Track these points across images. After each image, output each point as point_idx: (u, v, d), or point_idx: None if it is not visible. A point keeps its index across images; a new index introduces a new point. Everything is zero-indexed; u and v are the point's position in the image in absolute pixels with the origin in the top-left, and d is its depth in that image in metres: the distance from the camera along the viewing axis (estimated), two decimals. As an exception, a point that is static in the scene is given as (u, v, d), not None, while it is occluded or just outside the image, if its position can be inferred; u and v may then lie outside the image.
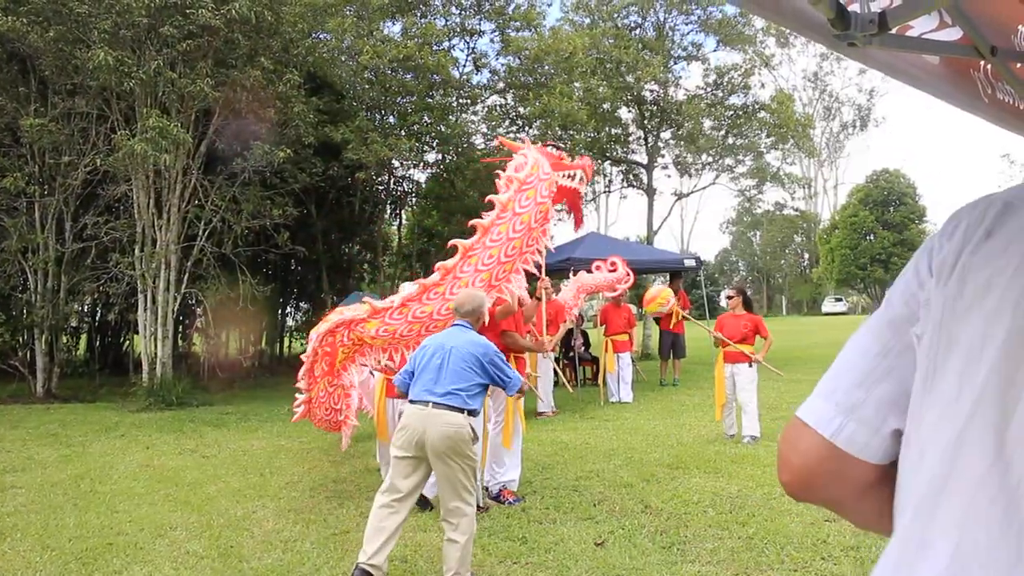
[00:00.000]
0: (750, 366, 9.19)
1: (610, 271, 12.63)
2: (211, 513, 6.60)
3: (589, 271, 12.60)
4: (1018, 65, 2.52)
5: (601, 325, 14.04)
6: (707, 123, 25.29)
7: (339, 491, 7.25)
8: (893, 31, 1.81)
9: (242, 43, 14.01)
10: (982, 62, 2.31)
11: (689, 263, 17.09)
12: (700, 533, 5.76)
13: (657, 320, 17.40)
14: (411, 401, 5.00)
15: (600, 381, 14.00)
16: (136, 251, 14.21)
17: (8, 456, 9.15)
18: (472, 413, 4.95)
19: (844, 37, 1.71)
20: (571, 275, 12.44)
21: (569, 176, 6.90)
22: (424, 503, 6.47)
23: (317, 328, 6.47)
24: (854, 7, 1.77)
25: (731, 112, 25.09)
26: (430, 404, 4.87)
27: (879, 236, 52.16)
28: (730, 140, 26.03)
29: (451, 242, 6.28)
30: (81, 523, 6.36)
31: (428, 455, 4.83)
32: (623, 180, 26.99)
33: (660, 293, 11.20)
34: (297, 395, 6.86)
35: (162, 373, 14.19)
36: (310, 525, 6.20)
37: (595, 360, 16.29)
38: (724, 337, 9.21)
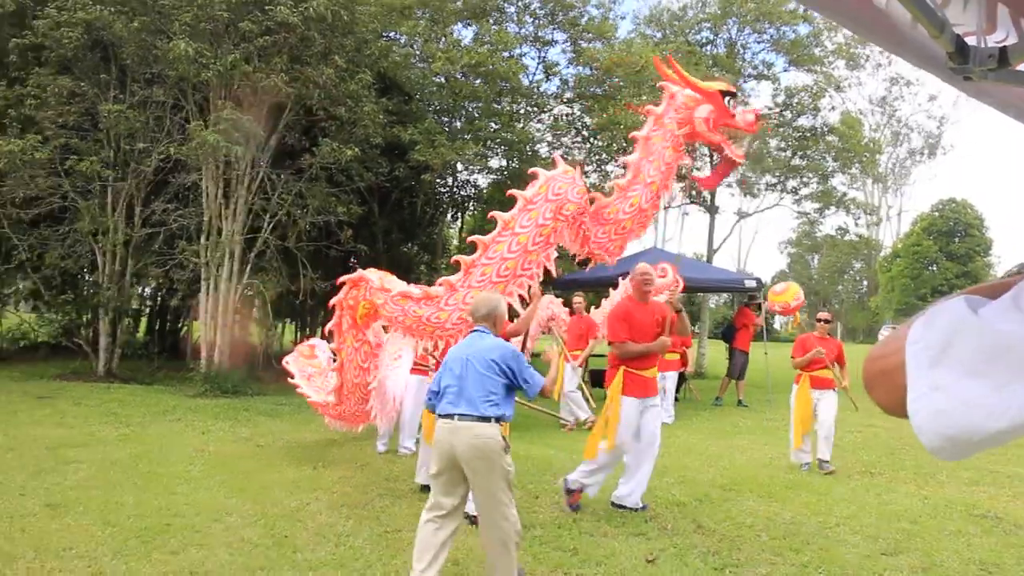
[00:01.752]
0: (835, 392, 9.02)
1: (660, 277, 12.47)
2: (265, 502, 6.70)
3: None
4: None
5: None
6: (773, 143, 25.03)
7: (392, 489, 7.31)
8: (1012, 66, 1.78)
9: (317, 40, 14.26)
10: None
11: (750, 284, 16.86)
12: (753, 557, 5.69)
13: (727, 338, 16.94)
14: (439, 416, 4.91)
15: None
16: (202, 240, 14.51)
17: (71, 432, 9.41)
18: (501, 419, 4.84)
19: (961, 71, 1.69)
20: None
21: (736, 139, 6.30)
22: (473, 519, 6.46)
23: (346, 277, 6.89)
24: (972, 40, 1.75)
25: (798, 133, 24.81)
26: (455, 417, 4.77)
27: (942, 267, 51.05)
28: (796, 161, 25.71)
29: (454, 258, 6.34)
30: (140, 502, 6.50)
31: (463, 468, 4.75)
32: (686, 196, 26.81)
33: (791, 287, 10.71)
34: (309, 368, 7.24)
35: (219, 360, 14.45)
36: (363, 521, 6.26)
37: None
38: (827, 359, 8.98)
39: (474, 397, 4.80)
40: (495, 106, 17.83)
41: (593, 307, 13.44)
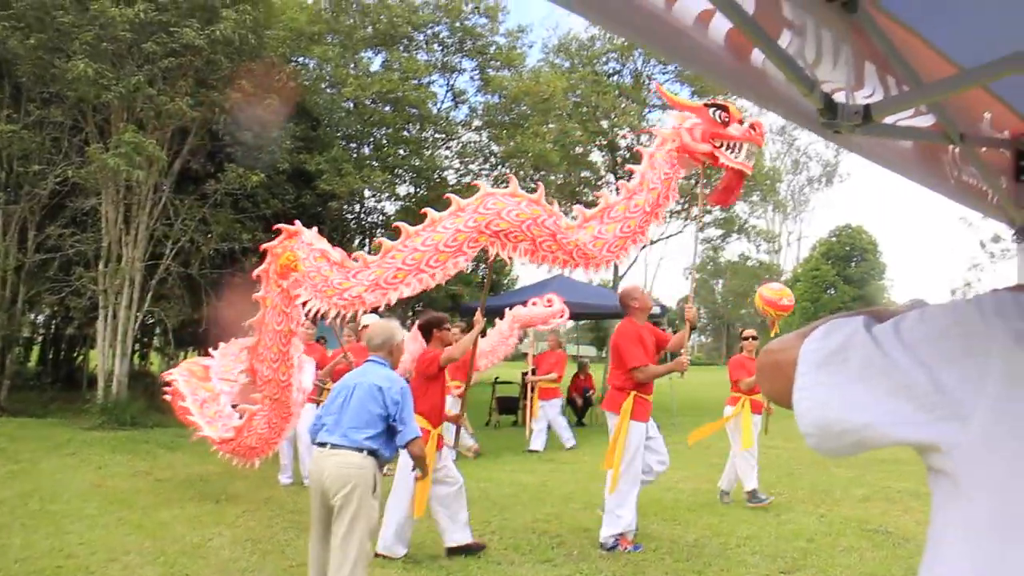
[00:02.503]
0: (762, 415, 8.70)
1: (546, 307, 12.54)
2: (165, 539, 6.52)
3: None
4: (983, 150, 2.66)
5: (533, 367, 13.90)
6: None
7: (297, 522, 7.18)
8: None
9: (224, 64, 14.04)
10: (951, 146, 2.43)
11: (655, 310, 17.24)
12: (656, 582, 5.80)
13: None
14: (315, 445, 4.80)
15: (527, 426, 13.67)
16: (100, 266, 14.07)
17: (-45, 469, 8.97)
18: (374, 454, 4.69)
19: (830, 126, 1.82)
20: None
21: (733, 149, 5.98)
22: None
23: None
24: (840, 98, 1.87)
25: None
26: (328, 446, 4.66)
27: (840, 290, 52.88)
28: (698, 189, 26.33)
29: (378, 240, 6.33)
30: (28, 544, 6.24)
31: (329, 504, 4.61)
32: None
33: (785, 289, 10.63)
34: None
35: (117, 391, 13.99)
36: (267, 556, 6.14)
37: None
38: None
39: (351, 427, 4.67)
40: (404, 133, 17.86)
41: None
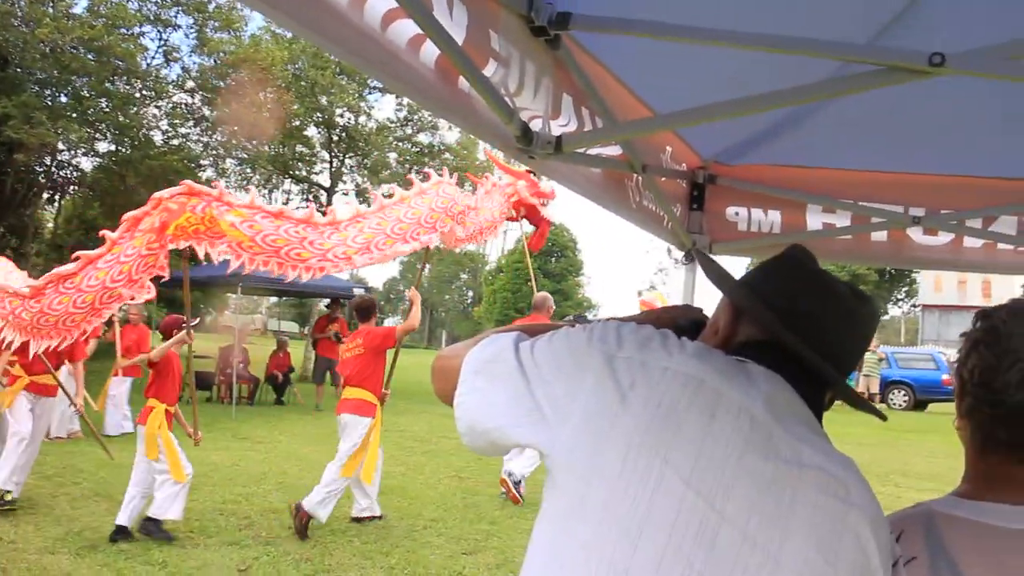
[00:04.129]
0: None
1: None
2: None
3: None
4: (662, 179, 3.02)
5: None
6: (392, 156, 25.85)
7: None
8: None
9: None
10: (635, 175, 2.74)
11: (358, 291, 17.38)
12: (344, 562, 5.91)
13: (315, 343, 17.56)
14: None
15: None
16: None
17: None
18: None
19: (526, 152, 2.01)
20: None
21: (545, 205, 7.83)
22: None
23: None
24: (537, 126, 2.07)
25: (417, 149, 25.87)
26: None
27: (540, 283, 55.83)
28: (413, 176, 26.68)
29: (102, 232, 5.88)
30: None
31: None
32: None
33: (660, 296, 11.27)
34: None
35: None
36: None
37: (255, 379, 16.00)
38: None
39: None
40: (108, 86, 16.51)
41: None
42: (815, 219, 3.26)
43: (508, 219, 7.92)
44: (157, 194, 5.85)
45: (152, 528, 6.17)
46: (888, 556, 1.10)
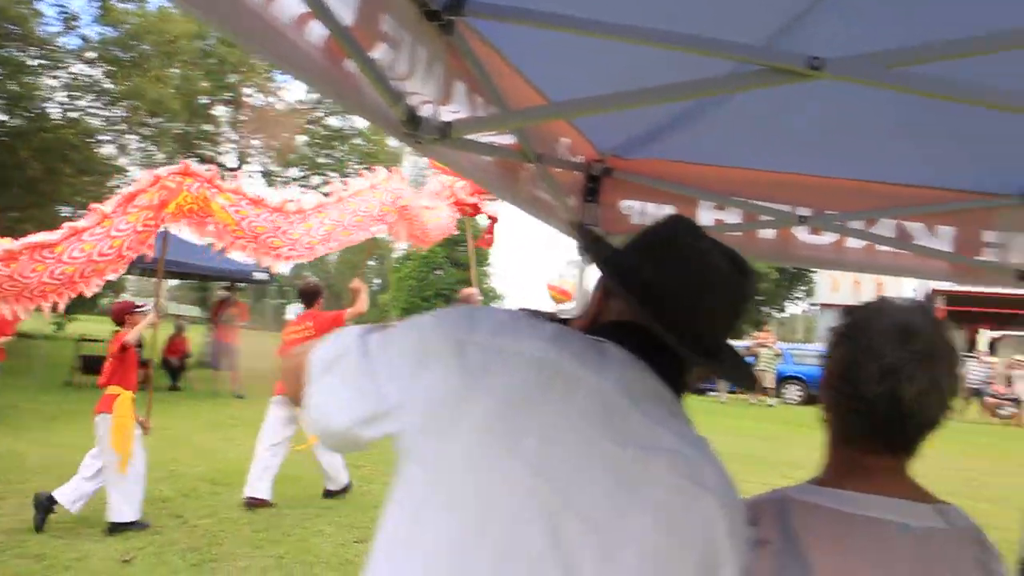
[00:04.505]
0: None
1: None
2: None
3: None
4: (558, 170, 3.03)
5: None
6: (301, 139, 25.42)
7: None
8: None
9: None
10: (529, 164, 2.74)
11: (260, 276, 17.03)
12: (233, 551, 5.79)
13: (214, 327, 17.21)
14: None
15: None
16: None
17: None
18: None
19: (412, 136, 1.98)
20: None
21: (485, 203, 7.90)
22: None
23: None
24: (427, 111, 2.04)
25: (327, 132, 25.49)
26: None
27: (448, 272, 55.72)
28: (321, 160, 26.35)
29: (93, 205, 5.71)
30: None
31: None
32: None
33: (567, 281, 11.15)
34: None
35: None
36: None
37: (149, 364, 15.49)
38: None
39: None
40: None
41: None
42: (707, 215, 3.31)
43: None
44: (154, 172, 5.90)
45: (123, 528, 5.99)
46: (740, 539, 1.12)
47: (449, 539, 1.02)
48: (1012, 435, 18.20)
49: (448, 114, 2.14)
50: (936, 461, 12.82)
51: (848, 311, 1.45)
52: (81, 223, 5.51)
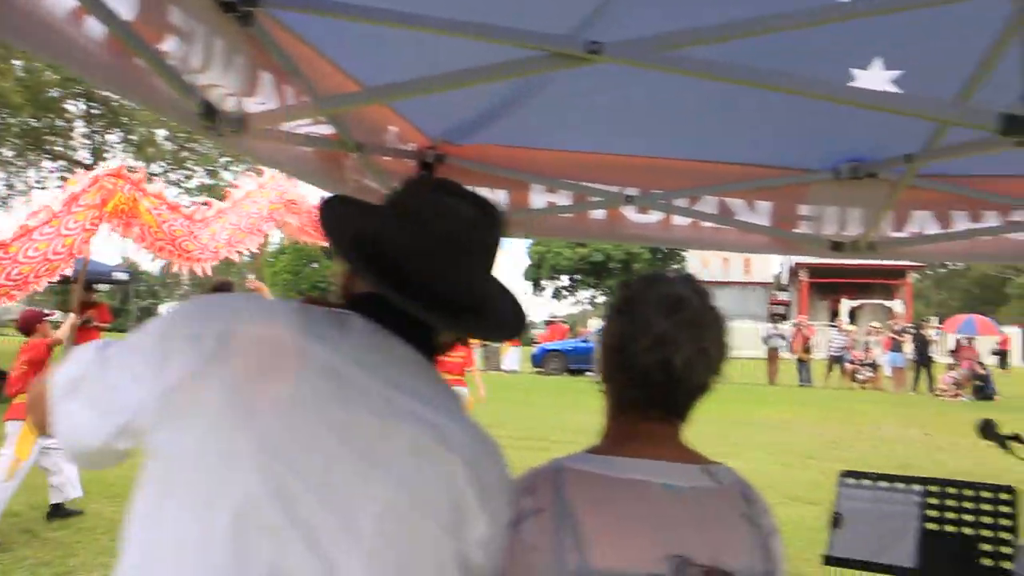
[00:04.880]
0: None
1: None
2: None
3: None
4: (387, 159, 3.03)
5: None
6: (161, 132, 24.49)
7: None
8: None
9: None
10: (352, 154, 2.74)
11: (120, 276, 16.46)
12: (88, 562, 5.59)
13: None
14: None
15: None
16: None
17: None
18: None
19: (211, 129, 1.95)
20: None
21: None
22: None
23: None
24: (229, 104, 2.01)
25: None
26: None
27: (323, 265, 54.79)
28: (184, 154, 25.46)
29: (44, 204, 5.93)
30: None
31: None
32: (61, 178, 24.82)
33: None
34: None
35: None
36: None
37: (1, 372, 14.75)
38: None
39: None
40: None
41: None
42: (539, 198, 3.38)
43: None
44: (93, 172, 6.16)
45: None
46: (493, 496, 1.17)
47: (190, 532, 1.03)
48: (870, 398, 19.23)
49: (255, 106, 2.12)
50: (800, 427, 13.50)
51: (623, 286, 1.52)
52: (31, 221, 5.56)
